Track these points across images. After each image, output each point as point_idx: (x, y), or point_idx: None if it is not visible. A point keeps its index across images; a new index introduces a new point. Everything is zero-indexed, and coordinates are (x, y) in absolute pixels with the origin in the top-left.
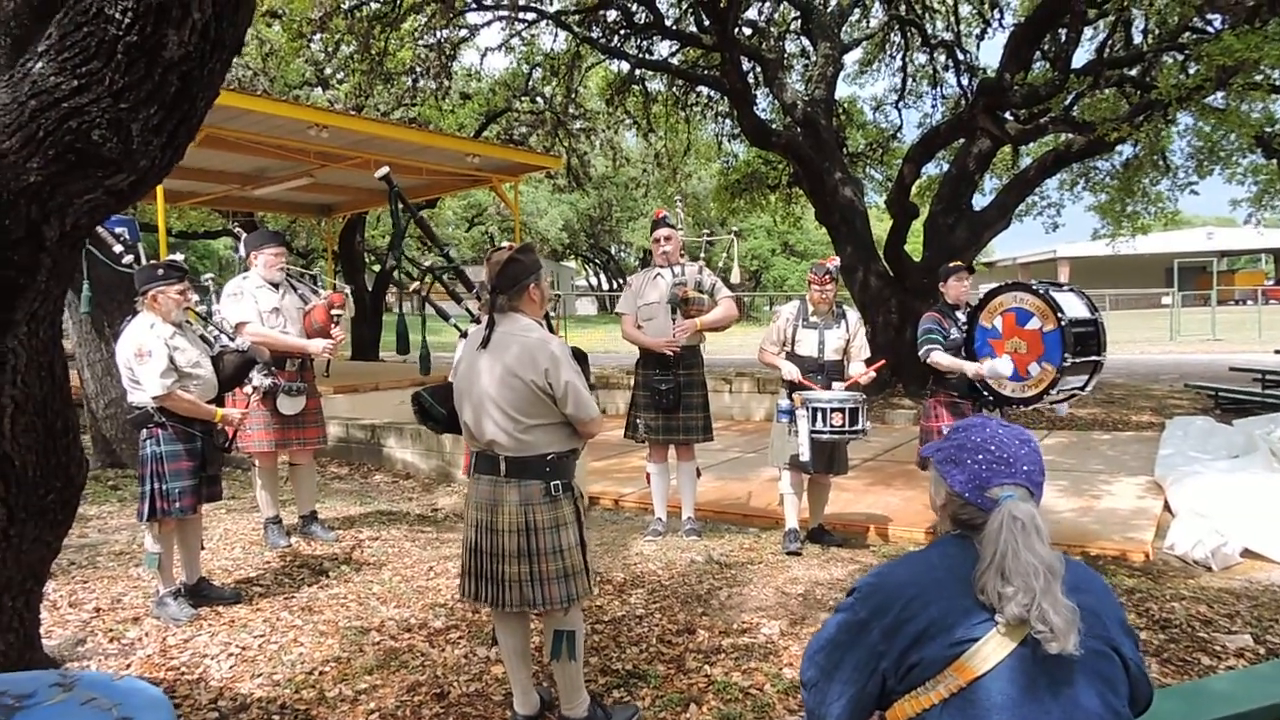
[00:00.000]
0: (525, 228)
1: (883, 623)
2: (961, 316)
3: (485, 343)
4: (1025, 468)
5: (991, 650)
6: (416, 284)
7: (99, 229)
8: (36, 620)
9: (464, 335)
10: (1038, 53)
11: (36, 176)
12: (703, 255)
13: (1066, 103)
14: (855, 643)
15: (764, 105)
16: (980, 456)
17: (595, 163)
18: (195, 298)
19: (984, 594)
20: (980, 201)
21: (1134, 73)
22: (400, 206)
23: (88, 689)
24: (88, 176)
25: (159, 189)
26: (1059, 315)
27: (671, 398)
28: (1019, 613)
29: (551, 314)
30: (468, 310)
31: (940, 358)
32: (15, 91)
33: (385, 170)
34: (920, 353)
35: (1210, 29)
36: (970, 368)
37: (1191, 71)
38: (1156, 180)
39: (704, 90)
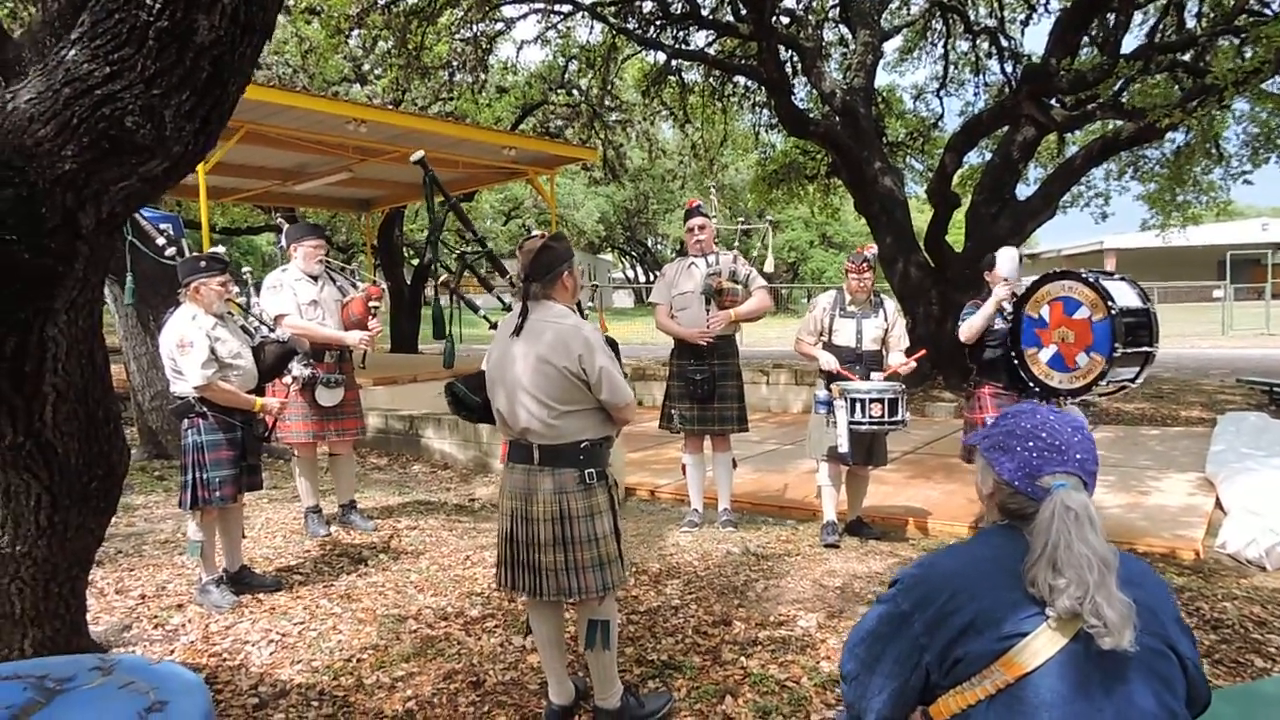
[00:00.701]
0: (562, 220)
1: (925, 615)
2: (1007, 305)
3: (518, 330)
4: (1078, 456)
5: (1041, 645)
6: (446, 276)
7: (142, 222)
8: (83, 606)
9: (494, 326)
10: (1085, 38)
11: (71, 164)
12: (738, 245)
13: (1115, 89)
14: (897, 635)
15: (801, 95)
16: (1031, 443)
17: (631, 155)
18: (236, 289)
19: (1034, 586)
20: (1024, 191)
21: (1186, 57)
22: (435, 192)
23: (126, 673)
24: (122, 163)
25: (201, 185)
26: (1109, 304)
27: (706, 388)
28: (1071, 606)
29: (588, 305)
30: (499, 299)
31: (968, 323)
32: (49, 79)
33: (420, 154)
34: (958, 333)
35: (1268, 10)
36: (993, 301)
37: (1248, 55)
38: (1209, 169)
39: (741, 80)
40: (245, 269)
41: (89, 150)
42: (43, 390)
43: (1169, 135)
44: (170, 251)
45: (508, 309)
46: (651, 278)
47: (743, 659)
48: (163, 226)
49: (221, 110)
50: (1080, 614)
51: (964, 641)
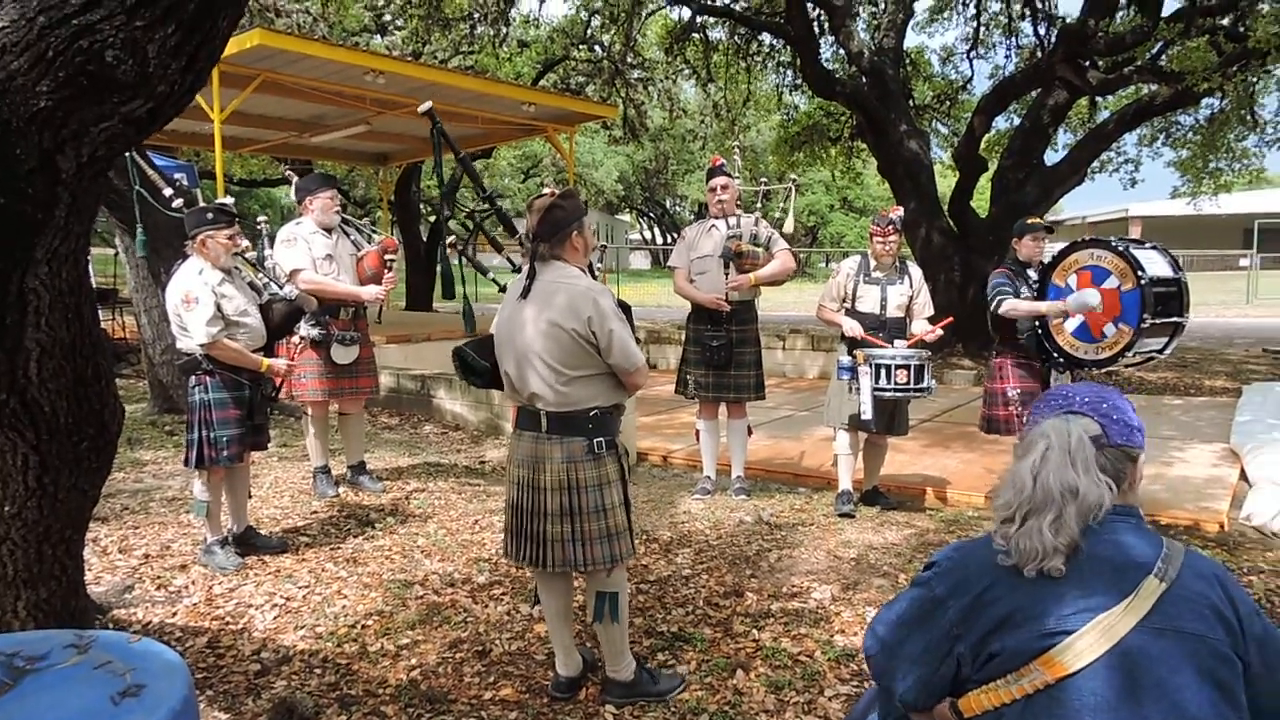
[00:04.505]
0: (580, 179)
1: (961, 603)
2: (1033, 275)
3: (526, 292)
4: (1085, 399)
5: (1087, 645)
6: (453, 237)
7: (149, 170)
8: (80, 567)
9: (503, 289)
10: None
11: (47, 101)
12: (759, 207)
13: (1153, 52)
14: (928, 621)
15: (827, 55)
16: (1040, 404)
17: (652, 114)
18: (245, 243)
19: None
20: (1051, 157)
21: (1225, 22)
22: (443, 146)
23: (102, 652)
24: (102, 102)
25: (217, 135)
26: (1139, 274)
27: (723, 354)
28: (996, 524)
29: (598, 265)
30: (509, 260)
31: (1014, 304)
32: (23, 7)
33: (429, 105)
34: (991, 304)
35: None
36: (1051, 306)
37: None
38: (1243, 136)
39: (766, 39)
40: (261, 219)
41: (66, 86)
42: (25, 345)
43: (1204, 101)
44: (177, 203)
45: (517, 270)
46: (669, 240)
47: (755, 631)
48: (177, 176)
49: (211, 47)
50: (1010, 535)
51: (1001, 636)
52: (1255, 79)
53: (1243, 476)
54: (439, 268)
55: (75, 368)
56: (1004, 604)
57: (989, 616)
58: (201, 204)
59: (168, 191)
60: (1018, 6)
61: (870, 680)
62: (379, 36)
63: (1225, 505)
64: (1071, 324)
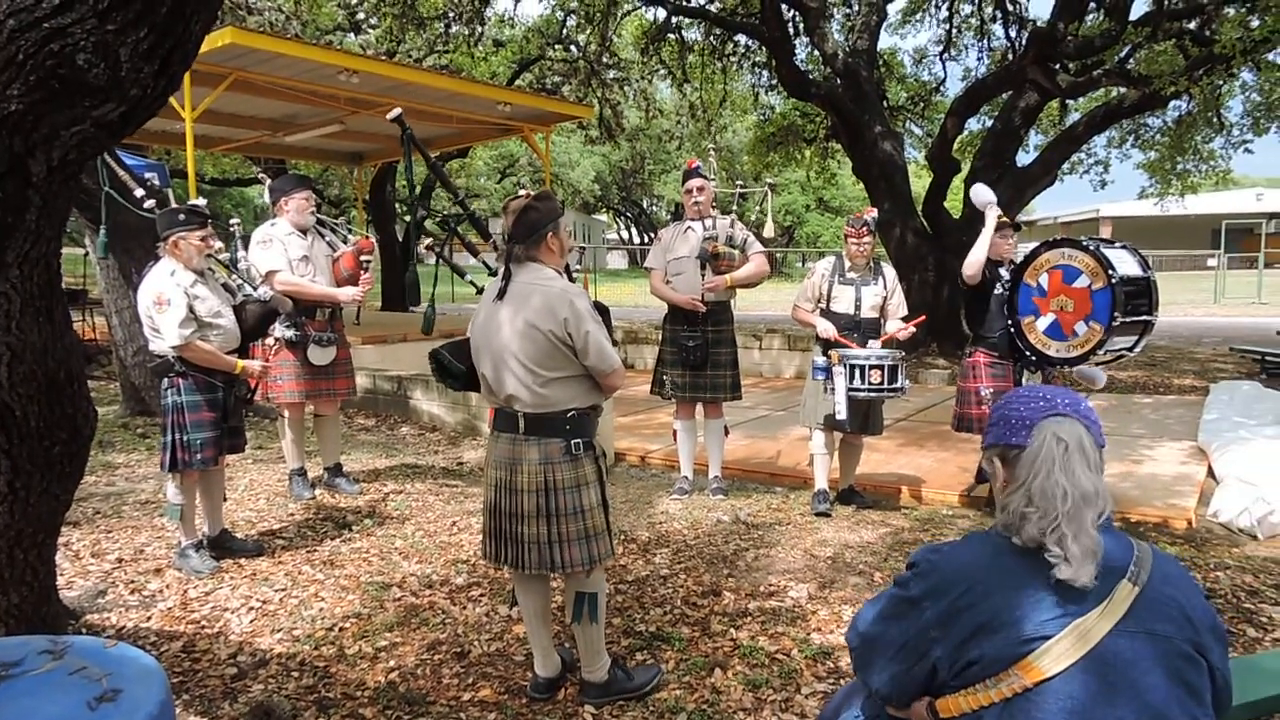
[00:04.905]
0: (557, 179)
1: (938, 606)
2: (1005, 273)
3: (502, 294)
4: (1065, 401)
5: (1065, 650)
6: (430, 240)
7: (119, 171)
8: (52, 572)
9: (480, 291)
10: (1091, 3)
11: (17, 105)
12: (734, 208)
13: (1122, 55)
14: (903, 620)
15: (802, 56)
16: (1017, 405)
17: (628, 114)
18: (219, 244)
19: (1004, 512)
20: (1023, 158)
21: (1192, 25)
22: (413, 151)
23: (78, 657)
24: (74, 106)
25: (188, 134)
26: (1110, 273)
27: (699, 355)
28: (1035, 534)
29: (575, 267)
30: (484, 263)
31: (971, 253)
32: None
33: (398, 111)
34: (961, 282)
35: None
36: (988, 229)
37: (1254, 24)
38: (1209, 138)
39: (741, 40)
40: (233, 220)
41: (37, 90)
42: None
43: (1171, 104)
44: (149, 204)
45: (492, 273)
46: (646, 239)
47: (732, 630)
48: (148, 176)
49: (184, 50)
50: (1044, 544)
51: (978, 643)
52: (1221, 82)
53: (1210, 474)
54: (405, 277)
55: (47, 371)
56: (981, 610)
57: (966, 621)
58: (173, 204)
59: (139, 192)
60: (989, 9)
61: (844, 678)
62: (352, 35)
63: (1193, 502)
64: (1043, 322)
